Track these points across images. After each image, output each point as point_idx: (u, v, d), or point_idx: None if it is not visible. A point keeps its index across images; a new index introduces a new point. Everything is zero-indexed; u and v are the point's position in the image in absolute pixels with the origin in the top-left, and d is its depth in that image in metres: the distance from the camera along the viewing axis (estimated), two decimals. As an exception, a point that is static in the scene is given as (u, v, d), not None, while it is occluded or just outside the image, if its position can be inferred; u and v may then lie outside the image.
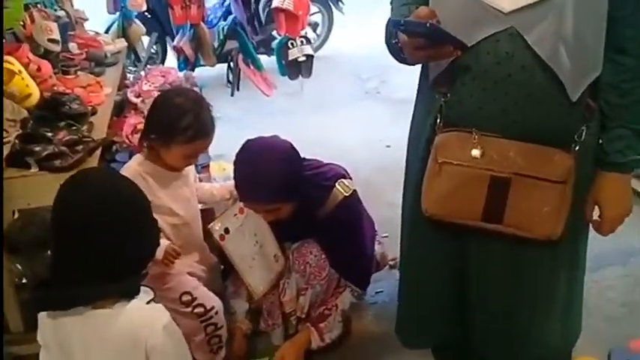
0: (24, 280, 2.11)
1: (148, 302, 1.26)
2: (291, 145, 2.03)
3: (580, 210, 1.56)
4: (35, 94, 2.10)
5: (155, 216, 1.36)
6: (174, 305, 1.90)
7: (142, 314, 1.24)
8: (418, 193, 1.64)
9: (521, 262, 1.61)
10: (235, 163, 1.99)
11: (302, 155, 2.09)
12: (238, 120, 4.25)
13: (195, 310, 1.97)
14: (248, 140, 2.01)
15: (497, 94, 1.43)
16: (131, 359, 1.24)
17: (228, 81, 3.69)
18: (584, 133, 1.45)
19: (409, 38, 1.38)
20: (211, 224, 2.14)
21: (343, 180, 2.08)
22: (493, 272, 1.64)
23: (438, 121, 1.56)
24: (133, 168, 1.97)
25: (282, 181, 1.93)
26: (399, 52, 1.48)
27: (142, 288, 1.27)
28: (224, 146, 3.61)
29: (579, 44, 1.36)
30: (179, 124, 1.91)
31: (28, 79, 2.07)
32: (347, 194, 2.06)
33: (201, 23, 3.36)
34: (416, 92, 1.76)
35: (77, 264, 1.21)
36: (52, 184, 1.88)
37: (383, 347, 2.17)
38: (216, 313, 2.00)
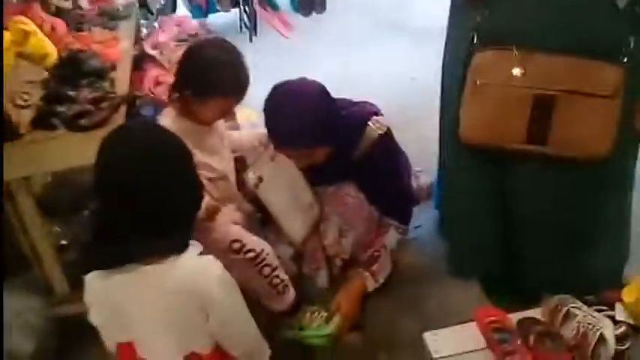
0: (63, 242, 2.13)
1: (201, 253, 1.25)
2: (321, 85, 1.95)
3: (629, 127, 1.49)
4: (52, 53, 2.05)
5: None
6: (225, 255, 1.87)
7: (196, 265, 1.23)
8: (457, 120, 1.58)
9: (568, 184, 1.55)
10: (265, 109, 1.93)
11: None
12: (258, 65, 4.13)
13: (247, 256, 1.91)
14: (276, 85, 1.94)
15: (538, 6, 1.34)
16: (188, 312, 1.23)
17: (245, 26, 3.57)
18: (631, 44, 1.36)
19: None
20: (245, 173, 2.10)
21: (376, 117, 2.01)
22: (538, 196, 1.59)
23: (475, 39, 1.47)
24: (168, 126, 1.90)
25: (314, 124, 1.87)
26: None
27: (190, 242, 1.25)
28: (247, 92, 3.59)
29: None
30: (216, 77, 1.83)
31: (44, 39, 2.02)
32: (381, 132, 1.99)
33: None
34: (449, 11, 1.67)
35: (125, 221, 1.18)
36: (81, 144, 1.89)
37: (429, 280, 2.16)
38: (268, 254, 1.95)
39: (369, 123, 1.99)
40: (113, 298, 1.26)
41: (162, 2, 4.41)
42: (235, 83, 1.87)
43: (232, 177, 2.12)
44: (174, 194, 1.20)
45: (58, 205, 2.12)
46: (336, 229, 2.10)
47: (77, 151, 1.88)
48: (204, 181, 1.91)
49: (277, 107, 1.90)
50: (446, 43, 1.69)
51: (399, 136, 2.22)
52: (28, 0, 2.36)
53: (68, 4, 2.48)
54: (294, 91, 1.91)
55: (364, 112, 2.03)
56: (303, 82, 1.96)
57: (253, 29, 3.52)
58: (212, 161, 1.99)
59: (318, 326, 1.94)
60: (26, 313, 2.06)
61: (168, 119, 1.91)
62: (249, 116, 3.18)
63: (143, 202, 1.17)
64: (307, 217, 2.13)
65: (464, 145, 1.60)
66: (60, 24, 2.25)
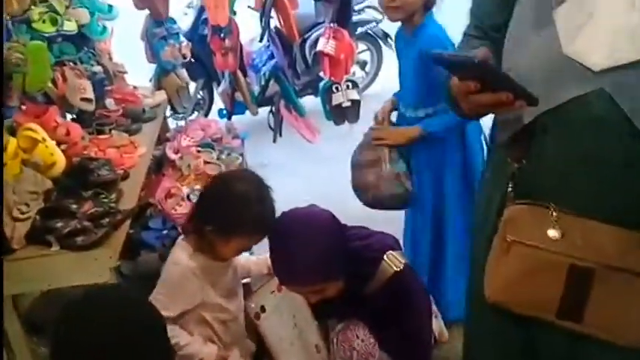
0: (48, 363, 1.95)
1: None
2: (331, 216, 1.80)
3: None
4: (60, 163, 1.97)
5: (204, 314, 1.32)
6: None
7: None
8: (482, 279, 1.39)
9: None
10: (270, 241, 1.78)
11: (345, 222, 1.88)
12: (282, 166, 4.09)
13: None
14: (283, 214, 1.80)
15: (585, 163, 1.17)
16: None
17: (270, 127, 3.52)
18: None
19: (460, 81, 1.15)
20: (246, 301, 1.96)
21: (392, 252, 1.82)
22: None
23: (510, 190, 1.31)
24: (185, 265, 1.77)
25: (321, 262, 1.70)
26: (453, 101, 1.25)
27: None
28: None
29: None
30: (243, 216, 1.70)
31: (53, 147, 1.94)
32: (397, 268, 1.80)
33: (238, 71, 3.21)
34: (486, 156, 1.52)
35: None
36: (75, 263, 1.77)
37: None
38: None
39: (385, 258, 1.80)
40: None
41: (200, 97, 4.48)
42: (263, 222, 1.74)
43: (242, 315, 1.96)
44: None
45: (47, 323, 1.97)
46: None
47: (70, 271, 1.76)
48: (216, 324, 1.83)
49: (281, 241, 1.74)
50: (480, 186, 1.53)
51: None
52: (51, 100, 2.35)
53: (91, 107, 2.43)
54: (300, 223, 1.75)
55: (380, 245, 1.85)
56: (311, 211, 1.80)
57: (278, 131, 3.45)
58: (226, 302, 1.86)
59: None
60: None
61: (184, 255, 1.78)
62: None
63: None
64: (308, 358, 1.93)
65: (490, 307, 1.40)
66: (75, 128, 2.19)
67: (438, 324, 2.07)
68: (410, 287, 1.87)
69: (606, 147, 1.13)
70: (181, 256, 1.78)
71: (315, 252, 1.69)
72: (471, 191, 2.24)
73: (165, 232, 2.14)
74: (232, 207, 1.71)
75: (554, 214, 1.23)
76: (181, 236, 1.87)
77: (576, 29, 1.13)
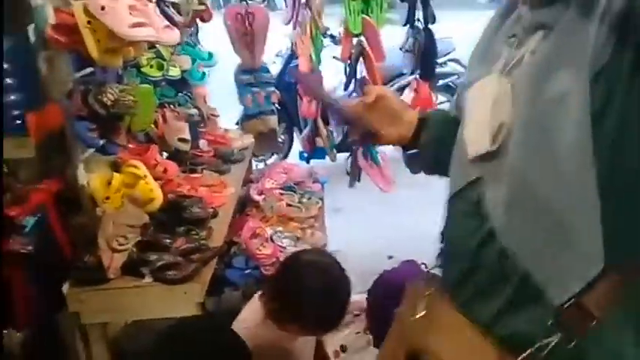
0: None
1: None
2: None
3: None
4: (158, 199, 2.08)
5: None
6: None
7: None
8: None
9: None
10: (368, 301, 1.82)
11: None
12: (358, 212, 4.13)
13: None
14: (383, 274, 1.85)
15: (450, 246, 1.13)
16: None
17: (347, 172, 3.58)
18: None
19: None
20: (327, 335, 1.92)
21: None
22: None
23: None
24: (252, 323, 1.70)
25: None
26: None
27: None
28: (342, 240, 3.52)
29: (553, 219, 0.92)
30: (308, 312, 1.60)
31: (153, 184, 2.06)
32: None
33: (319, 118, 3.32)
34: None
35: None
36: (165, 296, 1.85)
37: None
38: None
39: None
40: None
41: (281, 141, 4.63)
42: (326, 319, 1.65)
43: None
44: None
45: (133, 353, 2.06)
46: None
47: (159, 303, 1.84)
48: None
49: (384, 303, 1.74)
50: None
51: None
52: (151, 139, 2.50)
53: (187, 147, 2.57)
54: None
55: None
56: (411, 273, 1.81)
57: (355, 178, 3.50)
58: None
59: None
60: None
61: (255, 316, 1.72)
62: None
63: None
64: None
65: None
66: (172, 167, 2.32)
67: None
68: None
69: (466, 236, 1.04)
70: (251, 316, 1.72)
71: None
72: None
73: (248, 271, 2.21)
74: (296, 297, 1.62)
75: (430, 291, 1.13)
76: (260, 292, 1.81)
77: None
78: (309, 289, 1.60)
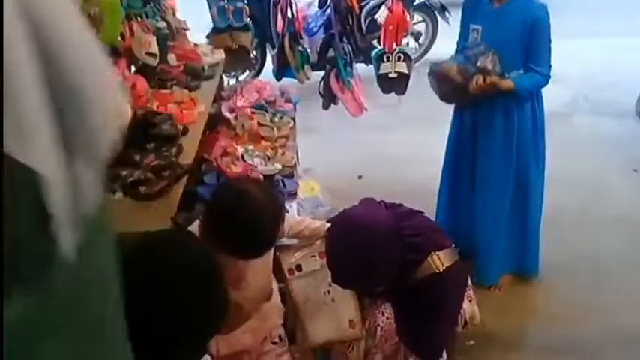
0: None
1: None
2: (389, 221, 1.82)
3: None
4: (127, 114, 2.06)
5: None
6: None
7: None
8: None
9: None
10: (328, 240, 1.84)
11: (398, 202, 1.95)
12: (330, 132, 4.14)
13: None
14: (342, 213, 1.87)
15: None
16: None
17: (320, 93, 3.56)
18: None
19: None
20: (284, 254, 1.98)
21: (439, 253, 1.84)
22: None
23: None
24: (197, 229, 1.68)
25: (376, 272, 1.78)
26: None
27: None
28: (314, 160, 3.54)
29: None
30: (222, 235, 1.56)
31: (122, 99, 2.02)
32: (438, 270, 1.82)
33: (286, 37, 3.26)
34: None
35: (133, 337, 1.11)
36: (135, 212, 1.87)
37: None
38: None
39: (429, 259, 1.83)
40: None
41: (253, 56, 4.53)
42: (248, 247, 1.59)
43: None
44: (199, 316, 1.13)
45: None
46: (363, 346, 1.98)
47: (131, 218, 1.86)
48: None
49: (341, 246, 1.80)
50: None
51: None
52: (118, 53, 2.43)
53: (155, 62, 2.51)
54: (359, 231, 1.79)
55: (428, 244, 1.86)
56: (370, 214, 1.84)
57: (328, 100, 3.48)
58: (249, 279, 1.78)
59: None
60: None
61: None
62: (313, 190, 3.11)
63: (164, 319, 1.10)
64: (338, 332, 1.98)
65: None
66: (141, 82, 2.27)
67: (472, 308, 2.10)
68: (443, 290, 1.86)
69: None
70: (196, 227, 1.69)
71: (367, 265, 1.75)
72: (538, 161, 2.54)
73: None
74: (214, 224, 1.59)
75: None
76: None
77: None
78: (225, 210, 1.57)
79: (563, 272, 2.79)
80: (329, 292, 1.99)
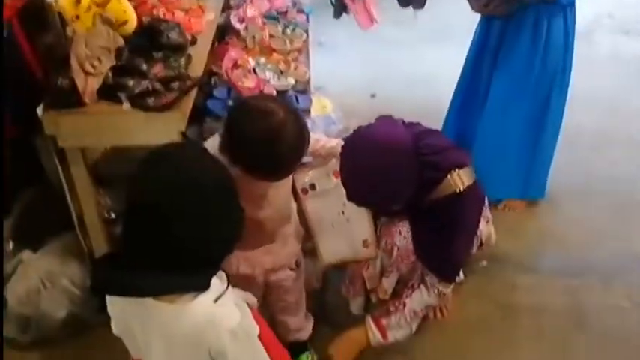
0: (113, 215, 2.05)
1: (218, 298, 1.10)
2: (407, 139, 1.73)
3: None
4: (132, 21, 1.94)
5: None
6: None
7: (208, 315, 1.09)
8: None
9: None
10: (344, 156, 1.74)
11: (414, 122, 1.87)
12: (342, 47, 3.98)
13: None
14: (358, 131, 1.75)
15: None
16: (195, 358, 1.12)
17: (331, 2, 3.35)
18: None
19: None
20: (298, 173, 1.89)
21: (459, 171, 1.76)
22: None
23: None
24: (214, 145, 1.53)
25: (393, 189, 1.69)
26: None
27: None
28: (325, 77, 3.41)
29: None
30: (244, 156, 1.48)
31: (126, 4, 1.91)
32: (457, 190, 1.74)
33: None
34: None
35: (148, 252, 1.06)
36: (144, 123, 1.79)
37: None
38: None
39: (448, 176, 1.75)
40: (125, 319, 1.18)
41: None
42: (271, 169, 1.52)
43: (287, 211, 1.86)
44: (206, 232, 1.07)
45: (114, 177, 2.04)
46: (379, 265, 1.95)
47: (139, 130, 1.79)
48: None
49: (355, 165, 1.70)
50: None
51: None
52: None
53: (161, -36, 2.35)
54: (375, 146, 1.69)
55: (448, 162, 1.78)
56: (387, 132, 1.74)
57: (339, 8, 3.27)
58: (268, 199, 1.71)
59: None
60: (60, 277, 2.03)
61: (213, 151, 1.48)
62: (325, 107, 3.02)
63: (175, 235, 1.04)
64: (351, 251, 1.95)
65: None
66: (147, -14, 2.13)
67: (488, 229, 2.06)
68: (463, 210, 1.80)
69: None
70: (215, 140, 1.57)
71: (384, 183, 1.67)
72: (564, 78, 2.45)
73: (230, 101, 2.13)
74: (236, 144, 1.49)
75: None
76: None
77: None
78: (247, 136, 1.47)
79: (579, 195, 2.73)
80: (343, 212, 1.94)
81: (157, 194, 1.04)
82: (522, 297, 2.26)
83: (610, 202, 2.71)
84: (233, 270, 1.71)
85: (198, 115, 2.11)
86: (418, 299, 1.87)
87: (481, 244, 2.05)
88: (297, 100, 2.22)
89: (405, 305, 1.86)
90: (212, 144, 1.56)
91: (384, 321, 1.85)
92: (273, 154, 1.47)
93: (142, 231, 1.06)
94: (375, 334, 1.85)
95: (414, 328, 1.90)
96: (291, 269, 1.87)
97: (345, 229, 1.94)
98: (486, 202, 1.97)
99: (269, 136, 1.45)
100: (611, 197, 2.73)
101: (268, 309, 1.92)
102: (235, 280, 1.66)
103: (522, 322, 2.18)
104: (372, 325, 1.86)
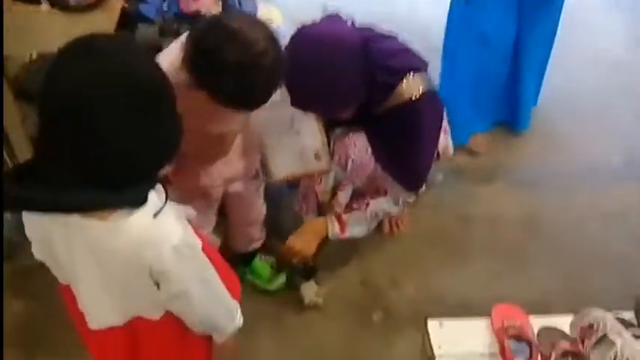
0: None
1: (157, 213, 0.96)
2: (353, 34, 1.60)
3: None
4: None
5: None
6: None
7: (147, 232, 0.95)
8: None
9: None
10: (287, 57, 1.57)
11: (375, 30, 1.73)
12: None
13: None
14: (302, 29, 1.59)
15: None
16: (131, 279, 1.00)
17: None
18: None
19: None
20: None
21: (415, 74, 1.65)
22: None
23: None
24: (170, 69, 1.20)
25: (338, 90, 1.58)
26: None
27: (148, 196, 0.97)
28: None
29: None
30: (214, 80, 1.32)
31: None
32: (414, 96, 1.65)
33: None
34: None
35: (65, 159, 0.90)
36: (66, 26, 1.61)
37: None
38: None
39: (403, 81, 1.65)
40: (48, 241, 1.02)
41: None
42: (240, 98, 1.36)
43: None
44: (141, 136, 0.91)
45: (35, 90, 1.86)
46: (332, 179, 1.89)
47: (60, 35, 1.59)
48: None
49: (300, 67, 1.50)
50: None
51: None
52: None
53: None
54: (323, 48, 1.55)
55: (402, 65, 1.67)
56: (336, 31, 1.60)
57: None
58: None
59: (267, 280, 1.95)
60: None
61: (177, 51, 1.38)
62: (275, 18, 2.84)
63: (99, 137, 0.88)
64: (302, 165, 1.84)
65: None
66: None
67: (446, 139, 1.98)
68: (420, 117, 1.72)
69: None
70: (172, 55, 1.38)
71: (336, 86, 1.56)
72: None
73: (165, 6, 1.94)
74: (208, 66, 1.32)
75: None
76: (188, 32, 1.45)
77: None
78: (228, 64, 1.30)
79: (537, 110, 2.67)
80: (293, 126, 1.83)
81: (77, 84, 0.86)
82: (479, 208, 2.24)
83: (569, 116, 2.66)
84: (193, 182, 1.62)
85: (130, 22, 1.92)
86: (381, 203, 1.85)
87: (437, 155, 1.98)
88: (239, 3, 2.05)
89: (367, 205, 1.84)
90: (165, 58, 1.36)
91: (344, 217, 1.85)
92: (252, 85, 1.32)
93: (60, 134, 0.89)
94: (334, 226, 1.83)
95: (371, 228, 1.90)
96: (254, 178, 1.84)
97: (294, 141, 1.83)
98: (444, 112, 1.88)
99: (251, 67, 1.29)
100: (570, 112, 2.68)
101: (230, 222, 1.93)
102: (195, 193, 1.60)
103: (478, 233, 2.16)
104: (333, 218, 1.84)
